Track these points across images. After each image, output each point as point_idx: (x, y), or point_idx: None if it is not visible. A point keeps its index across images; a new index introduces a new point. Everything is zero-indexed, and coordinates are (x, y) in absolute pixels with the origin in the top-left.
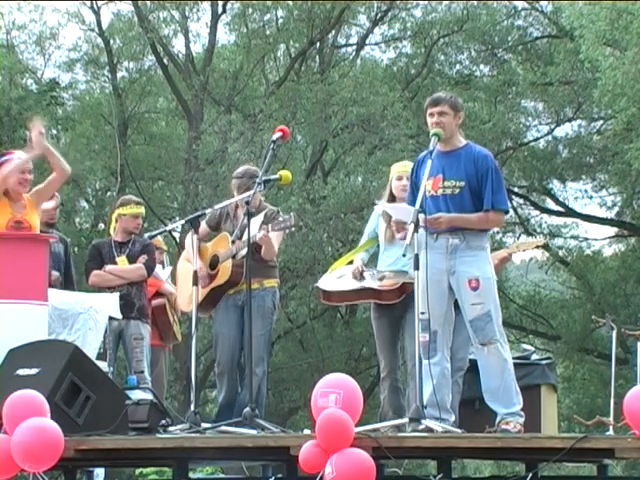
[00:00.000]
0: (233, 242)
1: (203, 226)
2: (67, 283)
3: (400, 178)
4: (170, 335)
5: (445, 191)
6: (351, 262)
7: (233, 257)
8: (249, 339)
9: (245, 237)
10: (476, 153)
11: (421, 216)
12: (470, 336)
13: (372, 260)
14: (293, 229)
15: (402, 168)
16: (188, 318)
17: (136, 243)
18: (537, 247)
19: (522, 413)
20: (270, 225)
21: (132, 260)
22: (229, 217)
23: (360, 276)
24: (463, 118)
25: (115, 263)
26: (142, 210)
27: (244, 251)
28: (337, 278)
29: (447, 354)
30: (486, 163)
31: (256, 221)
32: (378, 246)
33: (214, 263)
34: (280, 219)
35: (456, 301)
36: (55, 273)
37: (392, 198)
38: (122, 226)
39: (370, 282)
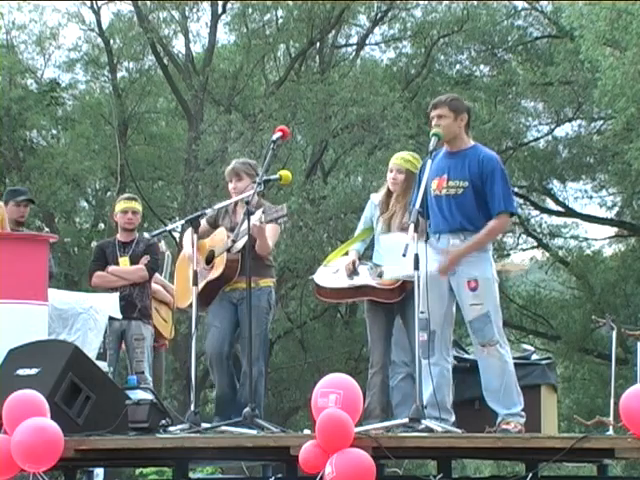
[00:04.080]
0: (228, 236)
1: (202, 223)
2: None
3: (391, 170)
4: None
5: (449, 191)
6: (347, 254)
7: (228, 250)
8: (249, 339)
9: (240, 229)
10: (482, 154)
11: (437, 256)
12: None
13: (368, 250)
14: (286, 219)
15: (394, 160)
16: (188, 317)
17: (140, 243)
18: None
19: (523, 414)
20: (262, 216)
21: (134, 260)
22: (227, 213)
23: (353, 272)
24: (468, 119)
25: (118, 263)
26: (132, 204)
27: (240, 244)
28: (333, 273)
29: (446, 354)
30: (492, 165)
31: (254, 218)
32: (374, 236)
33: (210, 258)
34: (272, 210)
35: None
36: None
37: (388, 191)
38: (119, 224)
39: (368, 279)
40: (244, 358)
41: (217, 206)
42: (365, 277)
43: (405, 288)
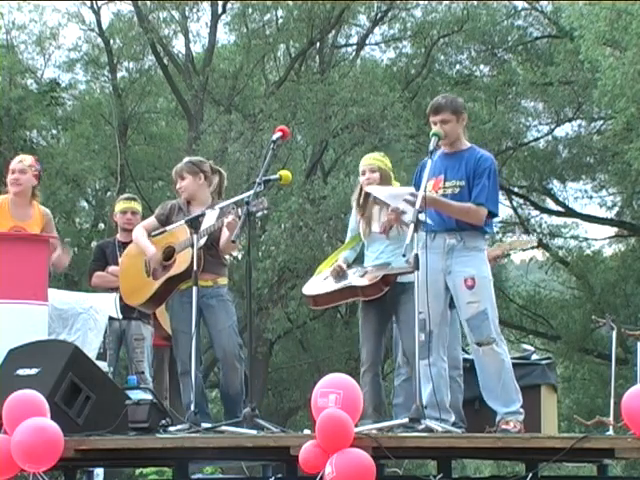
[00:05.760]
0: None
1: (151, 220)
2: None
3: (363, 172)
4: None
5: (446, 191)
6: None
7: (192, 247)
8: (249, 344)
9: (203, 227)
10: (479, 154)
11: (413, 193)
12: (460, 334)
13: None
14: (266, 212)
15: (365, 162)
16: None
17: None
18: (532, 248)
19: (522, 410)
20: (238, 209)
21: None
22: (181, 211)
23: (339, 275)
24: (466, 118)
25: (118, 263)
26: (132, 205)
27: (203, 241)
28: (323, 280)
29: (443, 354)
30: (486, 164)
31: (211, 215)
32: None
33: (169, 254)
34: (254, 202)
35: (451, 301)
36: None
37: (364, 194)
38: (119, 225)
39: (352, 279)
40: (219, 350)
41: (218, 206)
42: (350, 279)
43: (388, 281)
